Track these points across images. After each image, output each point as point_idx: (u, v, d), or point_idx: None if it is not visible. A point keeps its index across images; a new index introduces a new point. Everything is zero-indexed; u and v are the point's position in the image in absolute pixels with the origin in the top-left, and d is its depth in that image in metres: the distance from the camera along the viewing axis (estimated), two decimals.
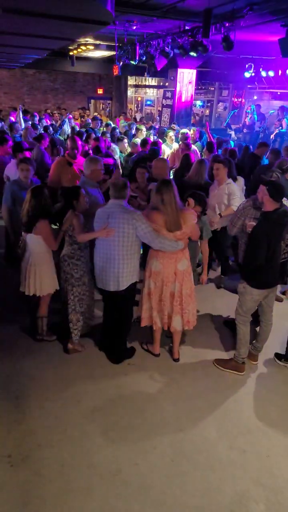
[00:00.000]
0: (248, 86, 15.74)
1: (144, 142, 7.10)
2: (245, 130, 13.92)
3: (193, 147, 7.63)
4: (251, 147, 7.51)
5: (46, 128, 9.56)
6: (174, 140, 8.17)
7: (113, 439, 3.00)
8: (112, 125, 10.09)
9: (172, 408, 3.31)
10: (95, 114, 15.29)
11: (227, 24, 7.62)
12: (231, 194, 4.72)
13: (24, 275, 3.78)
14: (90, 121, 11.25)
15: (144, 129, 9.21)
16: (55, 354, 3.85)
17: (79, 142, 5.34)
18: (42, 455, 2.84)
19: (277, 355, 3.94)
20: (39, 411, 3.21)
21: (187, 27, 8.80)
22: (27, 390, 3.41)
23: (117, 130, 9.51)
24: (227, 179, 4.77)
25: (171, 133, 8.29)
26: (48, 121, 11.92)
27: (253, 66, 12.88)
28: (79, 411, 3.22)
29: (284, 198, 4.03)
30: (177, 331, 3.73)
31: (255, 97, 16.21)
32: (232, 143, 9.47)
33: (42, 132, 8.26)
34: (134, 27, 9.41)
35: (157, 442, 2.99)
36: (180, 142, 7.66)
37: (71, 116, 12.11)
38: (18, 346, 3.95)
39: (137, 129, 8.96)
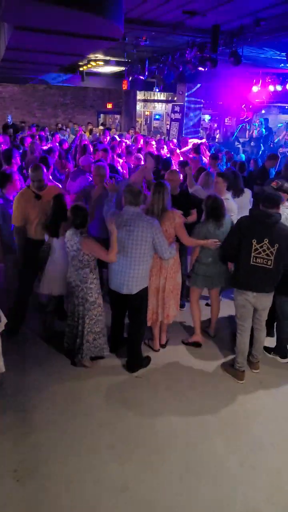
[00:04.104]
0: (256, 100, 15.85)
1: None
2: (252, 143, 13.98)
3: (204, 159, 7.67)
4: (259, 160, 7.52)
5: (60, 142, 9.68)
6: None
7: (120, 454, 2.95)
8: (118, 140, 10.21)
9: (181, 422, 3.25)
10: (101, 128, 15.47)
11: (235, 40, 7.72)
12: (229, 211, 4.54)
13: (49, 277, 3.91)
14: (97, 135, 11.40)
15: (154, 143, 9.29)
16: (63, 367, 3.82)
17: (44, 171, 4.17)
18: (49, 470, 2.80)
19: (266, 348, 4.09)
20: (46, 424, 3.17)
21: (195, 43, 8.93)
22: (35, 402, 3.38)
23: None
24: (226, 193, 4.68)
25: (177, 150, 8.36)
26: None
27: (261, 81, 12.98)
28: (86, 425, 3.18)
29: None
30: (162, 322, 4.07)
31: (263, 111, 16.30)
32: (242, 156, 9.51)
33: (51, 145, 8.39)
34: (143, 44, 9.58)
35: (165, 457, 2.93)
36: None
37: (81, 129, 12.26)
38: (26, 357, 3.93)
39: (147, 143, 9.05)
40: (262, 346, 3.86)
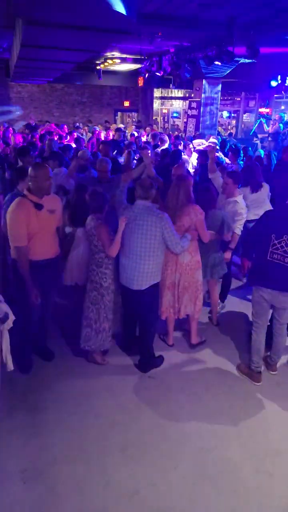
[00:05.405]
0: (275, 95, 15.51)
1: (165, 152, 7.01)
2: (269, 138, 13.68)
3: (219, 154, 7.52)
4: (272, 154, 7.32)
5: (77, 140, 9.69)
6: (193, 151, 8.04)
7: (132, 456, 2.86)
8: (136, 135, 10.16)
9: (194, 425, 3.14)
10: (119, 125, 15.41)
11: (252, 32, 7.53)
12: (236, 213, 4.36)
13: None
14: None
15: (167, 139, 9.18)
16: (75, 366, 3.76)
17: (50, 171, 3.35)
18: (58, 471, 2.73)
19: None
20: (56, 424, 3.11)
21: (211, 37, 8.76)
22: (45, 402, 3.32)
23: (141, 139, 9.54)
24: (237, 195, 4.43)
25: (191, 145, 8.24)
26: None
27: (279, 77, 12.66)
28: (97, 426, 3.10)
29: None
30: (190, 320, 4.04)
31: (283, 107, 15.94)
32: (261, 152, 9.33)
33: (68, 143, 8.38)
34: (159, 39, 9.46)
35: (178, 461, 2.83)
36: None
37: (97, 129, 12.24)
38: (36, 357, 3.87)
39: (162, 140, 8.95)
40: (281, 351, 3.70)
